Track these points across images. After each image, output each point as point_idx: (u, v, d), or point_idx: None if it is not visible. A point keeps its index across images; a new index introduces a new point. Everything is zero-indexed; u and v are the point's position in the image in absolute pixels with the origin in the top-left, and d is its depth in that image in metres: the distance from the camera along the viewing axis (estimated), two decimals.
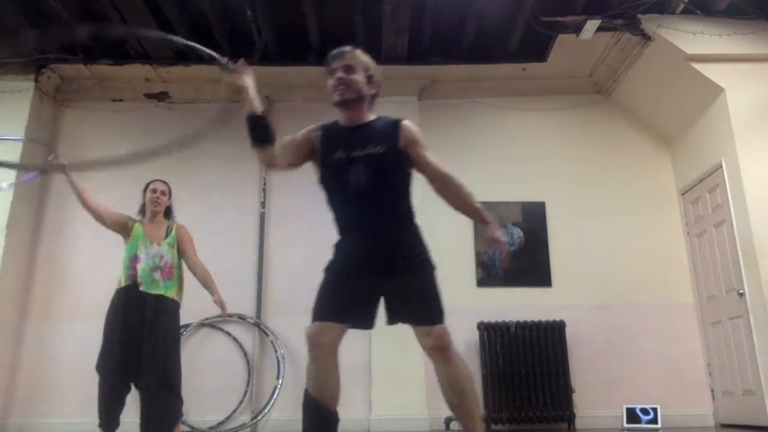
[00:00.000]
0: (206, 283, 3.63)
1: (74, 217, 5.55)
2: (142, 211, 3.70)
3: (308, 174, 6.52)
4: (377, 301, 2.23)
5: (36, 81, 5.52)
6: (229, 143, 5.77)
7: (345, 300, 2.21)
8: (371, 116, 2.34)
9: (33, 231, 5.46)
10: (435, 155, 2.30)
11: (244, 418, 4.98)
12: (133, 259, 3.48)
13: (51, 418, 4.95)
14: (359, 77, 2.28)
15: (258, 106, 2.27)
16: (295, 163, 2.38)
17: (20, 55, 5.38)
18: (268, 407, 4.96)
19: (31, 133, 5.45)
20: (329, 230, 5.91)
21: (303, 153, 2.36)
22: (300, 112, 5.93)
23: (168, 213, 3.76)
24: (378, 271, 2.17)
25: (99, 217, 3.61)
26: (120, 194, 5.58)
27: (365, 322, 2.25)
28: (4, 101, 5.42)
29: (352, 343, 5.65)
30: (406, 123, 2.32)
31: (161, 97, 5.92)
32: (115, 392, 3.36)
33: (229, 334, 5.24)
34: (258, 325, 5.22)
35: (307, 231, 5.51)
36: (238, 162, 5.72)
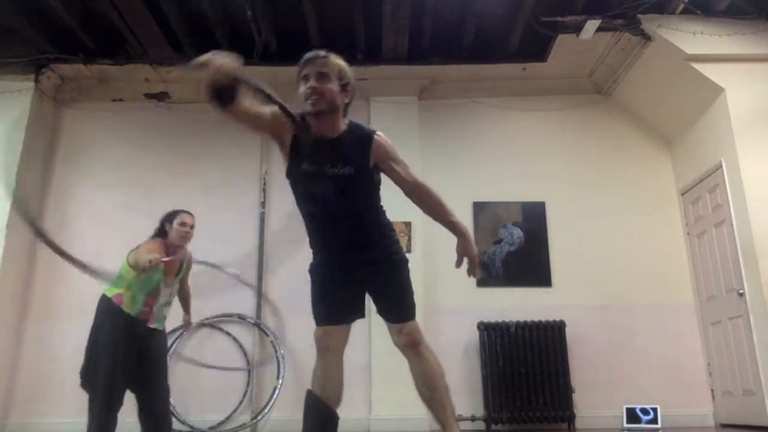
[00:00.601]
0: (186, 302, 3.75)
1: (74, 217, 5.57)
2: (160, 234, 3.48)
3: None
4: (364, 293, 2.33)
5: (36, 81, 5.52)
6: (230, 143, 5.80)
7: (338, 303, 2.28)
8: (343, 125, 2.22)
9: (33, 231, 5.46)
10: (406, 166, 2.27)
11: (244, 418, 4.98)
12: (151, 295, 3.36)
13: (51, 418, 4.95)
14: (333, 86, 2.17)
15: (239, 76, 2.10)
16: (252, 129, 2.34)
17: (20, 55, 5.38)
18: (268, 407, 4.96)
19: (31, 132, 5.46)
20: None
21: (264, 130, 2.29)
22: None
23: None
24: (351, 276, 2.24)
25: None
26: (119, 195, 5.62)
27: (361, 312, 2.36)
28: (4, 101, 5.42)
29: (352, 343, 5.64)
30: (378, 139, 2.21)
31: (161, 97, 5.92)
32: (113, 410, 3.27)
33: (229, 334, 5.24)
34: (258, 325, 5.22)
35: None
36: (238, 162, 5.72)
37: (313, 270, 2.33)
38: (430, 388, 2.23)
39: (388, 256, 2.25)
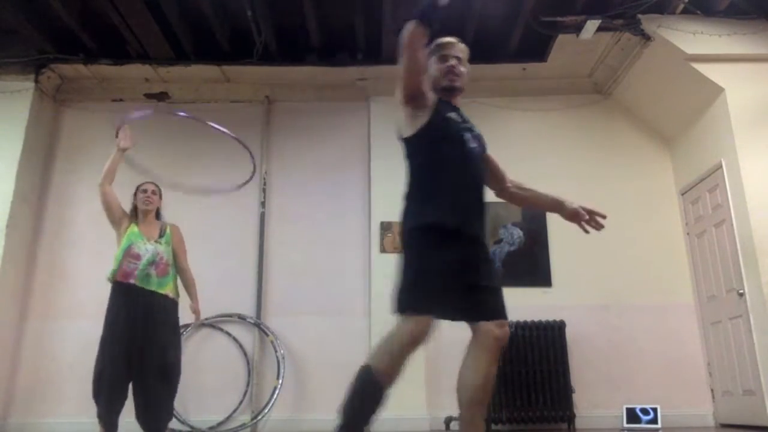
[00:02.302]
0: (190, 289, 3.76)
1: (74, 217, 5.57)
2: (134, 214, 3.73)
3: (308, 174, 6.55)
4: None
5: (36, 81, 5.52)
6: (230, 143, 5.79)
7: (460, 291, 2.14)
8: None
9: (33, 231, 5.46)
10: None
11: (244, 418, 4.98)
12: (126, 254, 3.49)
13: (51, 418, 4.95)
14: (465, 70, 2.36)
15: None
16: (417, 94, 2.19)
17: (20, 55, 5.38)
18: (268, 407, 4.96)
19: (31, 132, 5.46)
20: (329, 230, 5.90)
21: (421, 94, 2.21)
22: (300, 112, 5.95)
23: (158, 214, 3.82)
24: (476, 258, 2.17)
25: (109, 200, 3.65)
26: (119, 195, 5.60)
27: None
28: (4, 101, 5.43)
29: (352, 343, 5.67)
30: None
31: (161, 97, 5.92)
32: (114, 391, 3.37)
33: (229, 334, 5.24)
34: (258, 325, 5.22)
35: (307, 231, 5.52)
36: (238, 162, 5.72)
37: (437, 236, 2.06)
38: (484, 391, 2.17)
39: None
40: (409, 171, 2.25)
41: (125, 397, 3.42)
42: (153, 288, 3.48)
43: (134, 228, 3.61)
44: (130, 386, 3.42)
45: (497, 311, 2.15)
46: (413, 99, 2.17)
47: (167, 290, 3.55)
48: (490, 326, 2.10)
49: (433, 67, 2.32)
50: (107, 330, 3.44)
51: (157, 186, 3.85)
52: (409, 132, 2.23)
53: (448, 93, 2.29)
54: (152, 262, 3.51)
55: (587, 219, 2.40)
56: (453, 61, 2.30)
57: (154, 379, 3.37)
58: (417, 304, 2.00)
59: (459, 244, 2.08)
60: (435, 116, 2.20)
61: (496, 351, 2.11)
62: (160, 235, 3.66)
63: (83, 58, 5.50)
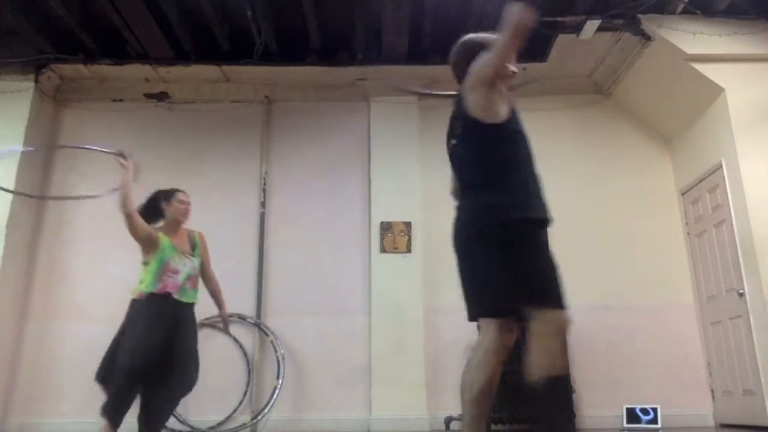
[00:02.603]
0: (218, 296, 3.80)
1: (74, 217, 5.56)
2: (152, 216, 3.60)
3: (308, 174, 6.53)
4: None
5: (36, 81, 5.52)
6: (230, 143, 5.80)
7: None
8: None
9: (33, 231, 5.46)
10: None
11: (244, 418, 4.98)
12: (164, 269, 3.45)
13: (51, 418, 4.95)
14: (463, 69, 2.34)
15: None
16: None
17: (20, 55, 5.38)
18: (268, 407, 4.96)
19: (31, 132, 5.46)
20: (329, 230, 5.90)
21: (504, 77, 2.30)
22: (300, 112, 5.95)
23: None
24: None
25: (139, 225, 3.44)
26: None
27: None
28: (4, 101, 5.42)
29: (352, 343, 5.66)
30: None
31: (161, 97, 5.92)
32: (133, 393, 3.35)
33: (229, 334, 5.23)
34: (258, 325, 5.22)
35: (307, 231, 5.52)
36: (238, 162, 5.73)
37: (545, 232, 2.17)
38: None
39: (459, 231, 2.23)
40: (489, 159, 2.16)
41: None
42: (187, 300, 3.53)
43: (165, 240, 3.53)
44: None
45: None
46: (495, 83, 2.17)
47: (196, 300, 3.62)
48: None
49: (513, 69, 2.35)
50: (140, 338, 3.30)
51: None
52: (495, 118, 2.17)
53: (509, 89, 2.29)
54: (189, 277, 3.55)
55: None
56: (513, 67, 2.33)
57: (177, 387, 3.42)
58: (561, 298, 2.08)
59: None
60: (513, 108, 2.25)
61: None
62: (192, 248, 3.66)
63: (83, 58, 5.50)
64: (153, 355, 3.30)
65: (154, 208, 3.63)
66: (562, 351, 2.05)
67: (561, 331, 2.01)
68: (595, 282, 5.32)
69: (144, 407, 3.39)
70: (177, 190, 3.70)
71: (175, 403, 3.53)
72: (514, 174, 2.12)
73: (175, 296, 3.46)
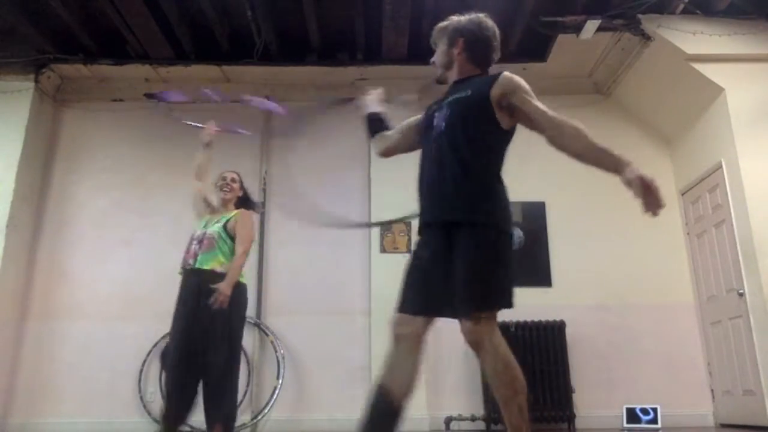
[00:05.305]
0: (228, 273, 3.36)
1: (74, 217, 5.57)
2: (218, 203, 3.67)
3: (307, 173, 6.52)
4: (448, 284, 1.97)
5: (36, 81, 5.52)
6: (230, 143, 5.79)
7: (420, 287, 1.99)
8: (474, 71, 2.22)
9: (33, 231, 5.46)
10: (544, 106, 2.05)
11: (244, 418, 4.98)
12: (189, 241, 3.46)
13: (51, 418, 4.95)
14: (439, 50, 2.29)
15: (377, 107, 2.42)
16: (404, 146, 2.36)
17: (20, 55, 5.38)
18: (268, 407, 4.96)
19: (31, 132, 5.46)
20: (329, 230, 5.89)
21: (412, 132, 2.31)
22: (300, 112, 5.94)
23: (245, 203, 3.69)
24: (433, 242, 1.99)
25: (196, 196, 3.64)
26: (119, 195, 5.62)
27: (450, 308, 1.96)
28: (4, 101, 5.43)
29: (353, 343, 5.66)
30: (507, 73, 2.07)
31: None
32: (178, 381, 3.21)
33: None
34: (258, 325, 5.22)
35: (307, 231, 5.52)
36: (238, 162, 5.71)
37: (416, 247, 2.10)
38: (499, 399, 2.05)
39: (483, 218, 1.94)
40: (484, 159, 2.06)
41: (194, 394, 3.32)
42: (199, 266, 3.32)
43: (207, 215, 3.58)
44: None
45: None
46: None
47: (212, 265, 3.33)
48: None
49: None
50: (171, 325, 3.32)
51: (237, 174, 3.75)
52: (506, 125, 2.10)
53: (441, 84, 2.31)
54: (201, 240, 3.41)
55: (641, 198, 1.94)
56: (433, 58, 2.32)
57: (198, 369, 3.19)
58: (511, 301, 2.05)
59: None
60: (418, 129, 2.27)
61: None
62: (218, 221, 3.50)
63: (83, 58, 5.50)
64: (176, 334, 3.19)
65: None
66: (388, 358, 2.07)
67: (391, 337, 2.05)
68: (595, 282, 5.32)
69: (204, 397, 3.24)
70: (225, 171, 3.75)
71: (213, 389, 3.25)
72: (501, 185, 2.11)
73: (194, 264, 3.32)
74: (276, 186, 5.69)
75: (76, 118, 5.88)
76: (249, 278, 5.33)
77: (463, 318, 1.92)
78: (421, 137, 2.24)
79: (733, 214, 4.75)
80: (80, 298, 5.28)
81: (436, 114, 2.15)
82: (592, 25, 4.99)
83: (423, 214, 2.09)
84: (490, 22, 2.26)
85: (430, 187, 2.06)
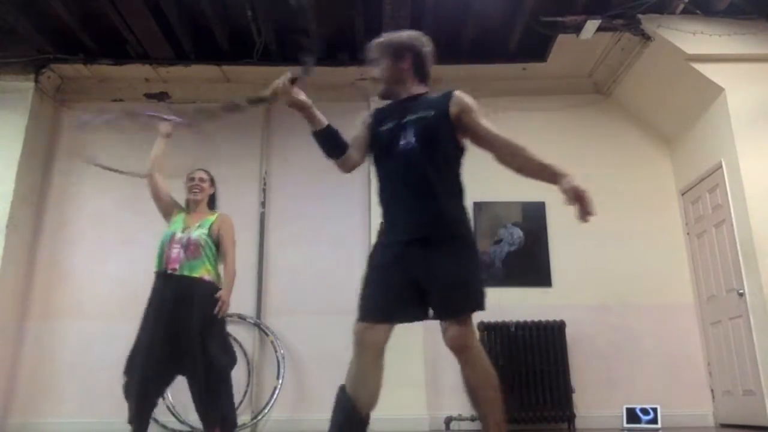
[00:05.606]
0: (225, 278, 3.47)
1: (74, 217, 5.57)
2: (187, 205, 3.60)
3: (308, 174, 6.53)
4: (413, 291, 2.07)
5: (36, 81, 5.52)
6: (230, 143, 5.80)
7: (388, 296, 2.07)
8: (422, 90, 2.32)
9: (33, 231, 5.46)
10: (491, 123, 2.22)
11: (244, 418, 4.97)
12: (168, 243, 3.34)
13: (51, 418, 4.95)
14: (384, 65, 2.31)
15: (320, 120, 2.34)
16: (362, 159, 2.37)
17: (20, 55, 5.38)
18: (268, 407, 4.96)
19: (31, 132, 5.46)
20: (329, 230, 5.91)
21: (365, 144, 2.35)
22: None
23: (212, 203, 3.67)
24: (407, 253, 2.05)
25: (156, 190, 3.53)
26: (119, 195, 5.61)
27: (415, 314, 2.09)
28: (4, 101, 5.42)
29: (352, 343, 5.61)
30: (459, 92, 2.24)
31: (161, 97, 5.91)
32: (148, 385, 3.14)
33: (229, 334, 5.23)
34: (258, 325, 5.22)
35: (307, 231, 5.52)
36: (238, 162, 5.72)
37: (373, 254, 2.19)
38: (477, 403, 2.09)
39: (459, 231, 2.10)
40: (454, 176, 2.22)
41: (158, 398, 3.30)
42: (186, 273, 3.29)
43: (180, 215, 3.49)
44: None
45: None
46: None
47: (201, 273, 3.32)
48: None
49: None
50: (141, 325, 3.25)
51: (207, 173, 3.68)
52: (461, 143, 2.25)
53: (387, 98, 2.35)
54: (185, 246, 3.34)
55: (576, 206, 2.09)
56: (371, 73, 2.36)
57: (202, 375, 3.17)
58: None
59: None
60: (372, 149, 2.34)
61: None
62: (201, 225, 3.45)
63: (83, 58, 5.50)
64: (148, 338, 3.13)
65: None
66: (352, 366, 2.14)
67: (354, 345, 2.15)
68: (595, 282, 5.32)
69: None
70: (193, 170, 3.67)
71: (205, 393, 3.21)
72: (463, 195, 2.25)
73: (175, 270, 3.27)
74: (276, 186, 5.69)
75: (76, 118, 5.87)
76: (249, 278, 5.38)
77: (452, 322, 2.02)
78: (370, 152, 2.30)
79: (733, 214, 4.75)
80: (80, 298, 5.27)
81: (398, 132, 2.19)
82: (592, 25, 4.99)
83: (400, 230, 2.12)
84: (427, 39, 2.37)
85: (407, 203, 2.12)
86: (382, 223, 2.22)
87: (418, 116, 2.17)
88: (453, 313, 2.02)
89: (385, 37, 2.35)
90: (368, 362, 2.05)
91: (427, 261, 2.03)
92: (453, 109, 2.16)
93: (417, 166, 2.11)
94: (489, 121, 2.20)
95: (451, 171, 2.19)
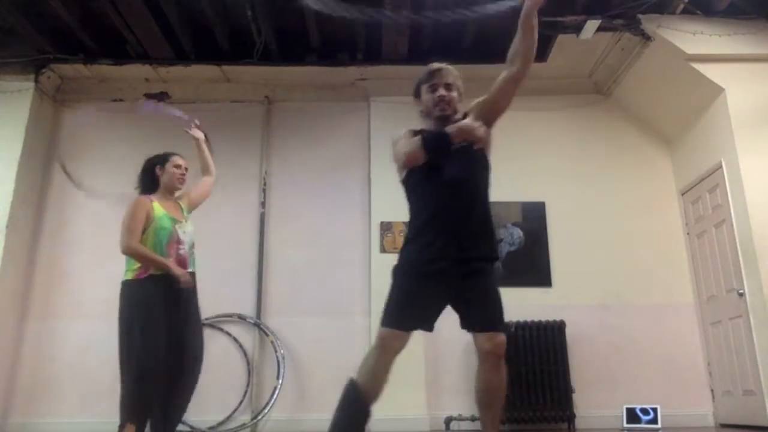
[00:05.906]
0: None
1: (74, 217, 5.57)
2: (151, 187, 3.31)
3: (307, 173, 6.53)
4: (444, 305, 2.31)
5: (36, 81, 5.52)
6: (230, 143, 5.79)
7: (423, 310, 2.27)
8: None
9: (33, 231, 5.46)
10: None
11: (244, 418, 4.98)
12: (172, 242, 3.15)
13: (51, 418, 4.95)
14: (455, 95, 2.45)
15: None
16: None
17: (20, 55, 5.38)
18: (268, 407, 4.96)
19: (31, 132, 5.46)
20: (329, 230, 5.91)
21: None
22: (300, 112, 5.95)
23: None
24: (451, 272, 2.23)
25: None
26: (119, 195, 5.61)
27: (430, 326, 2.32)
28: (4, 101, 5.42)
29: (353, 343, 5.66)
30: (470, 104, 2.48)
31: (161, 97, 5.91)
32: (158, 389, 3.01)
33: (229, 334, 5.24)
34: (258, 325, 5.22)
35: (307, 231, 5.52)
36: (238, 162, 5.72)
37: (407, 267, 2.32)
38: (492, 402, 2.30)
39: (495, 257, 2.38)
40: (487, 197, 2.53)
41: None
42: (193, 269, 3.26)
43: (159, 209, 3.20)
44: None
45: None
46: None
47: (194, 267, 3.30)
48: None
49: (424, 96, 2.46)
50: (146, 330, 2.98)
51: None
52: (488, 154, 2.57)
53: (441, 122, 2.39)
54: (194, 244, 3.30)
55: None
56: (442, 91, 2.41)
57: (195, 369, 3.19)
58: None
59: None
60: (411, 172, 2.45)
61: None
62: (181, 212, 3.34)
63: (83, 58, 5.50)
64: (161, 341, 3.00)
65: (150, 178, 3.33)
66: (372, 365, 2.29)
67: (377, 346, 2.30)
68: (595, 282, 5.32)
69: (162, 406, 3.05)
70: (172, 154, 3.37)
71: (192, 383, 3.21)
72: None
73: (188, 268, 3.18)
74: (276, 186, 5.69)
75: (76, 119, 5.87)
76: (249, 278, 5.38)
77: (498, 332, 2.23)
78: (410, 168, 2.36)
79: (733, 214, 4.74)
80: (80, 298, 5.27)
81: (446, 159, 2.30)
82: (592, 25, 4.99)
83: (445, 248, 2.24)
84: None
85: (463, 225, 2.28)
86: (411, 233, 2.36)
87: (461, 145, 2.28)
88: (500, 324, 2.24)
89: (452, 67, 2.51)
90: (386, 363, 2.22)
91: (473, 280, 2.25)
92: (474, 117, 2.37)
93: (466, 192, 2.32)
94: (486, 94, 2.46)
95: (488, 195, 2.43)
